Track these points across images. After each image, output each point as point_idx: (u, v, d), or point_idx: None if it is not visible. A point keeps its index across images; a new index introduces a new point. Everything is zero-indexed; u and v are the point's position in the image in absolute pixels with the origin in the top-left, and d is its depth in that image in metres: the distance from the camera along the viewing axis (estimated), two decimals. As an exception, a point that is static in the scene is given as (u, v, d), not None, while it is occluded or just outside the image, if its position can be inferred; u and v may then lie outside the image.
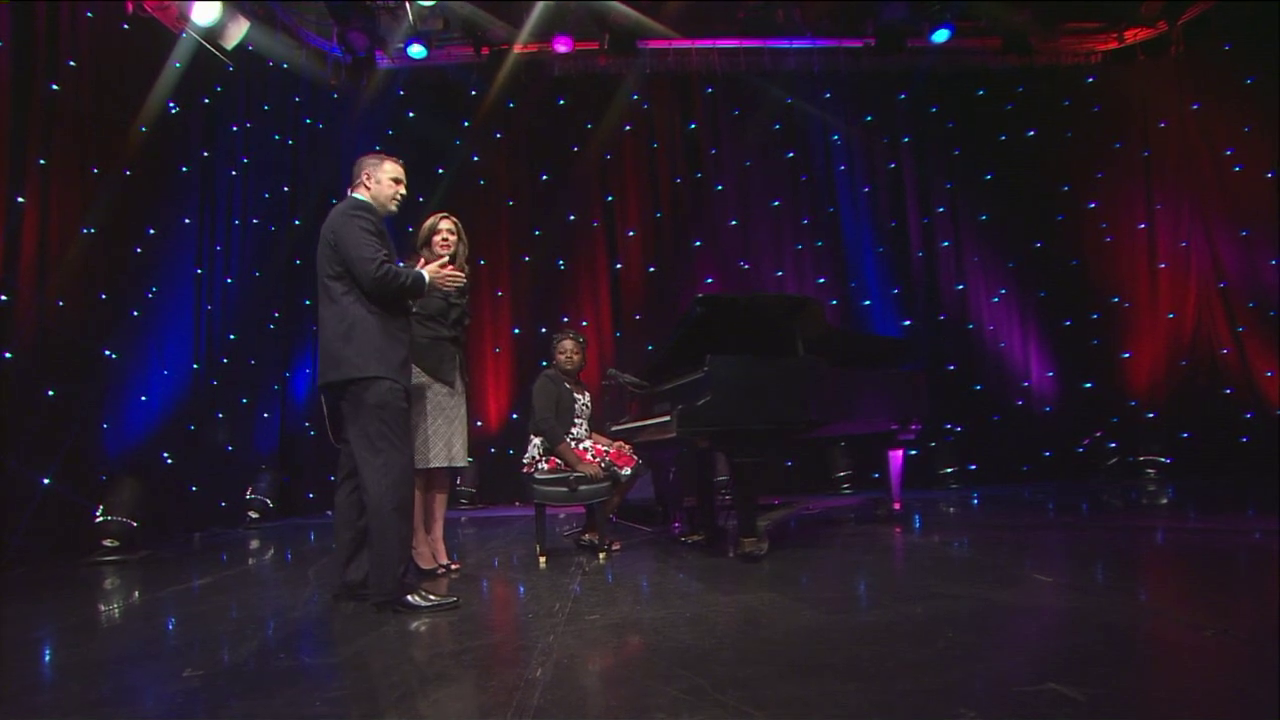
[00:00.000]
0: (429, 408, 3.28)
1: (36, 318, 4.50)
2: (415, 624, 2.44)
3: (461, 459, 3.41)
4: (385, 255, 2.67)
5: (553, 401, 3.78)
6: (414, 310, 3.04)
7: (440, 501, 3.45)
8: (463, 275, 3.01)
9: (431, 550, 3.41)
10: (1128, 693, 1.53)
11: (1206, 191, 7.51)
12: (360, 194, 2.84)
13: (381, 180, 2.86)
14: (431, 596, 2.65)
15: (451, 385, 3.36)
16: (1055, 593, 2.55)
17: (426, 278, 2.76)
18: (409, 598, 2.60)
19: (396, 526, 2.59)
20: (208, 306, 6.15)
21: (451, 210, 3.56)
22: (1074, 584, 2.67)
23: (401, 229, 6.43)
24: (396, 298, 2.72)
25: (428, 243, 3.42)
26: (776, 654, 1.90)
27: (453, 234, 3.41)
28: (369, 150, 3.09)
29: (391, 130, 7.74)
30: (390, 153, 2.95)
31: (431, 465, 3.27)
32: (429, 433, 3.27)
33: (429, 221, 3.45)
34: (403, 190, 2.91)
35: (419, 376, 3.22)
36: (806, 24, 7.63)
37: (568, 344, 3.99)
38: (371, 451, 2.60)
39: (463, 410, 3.44)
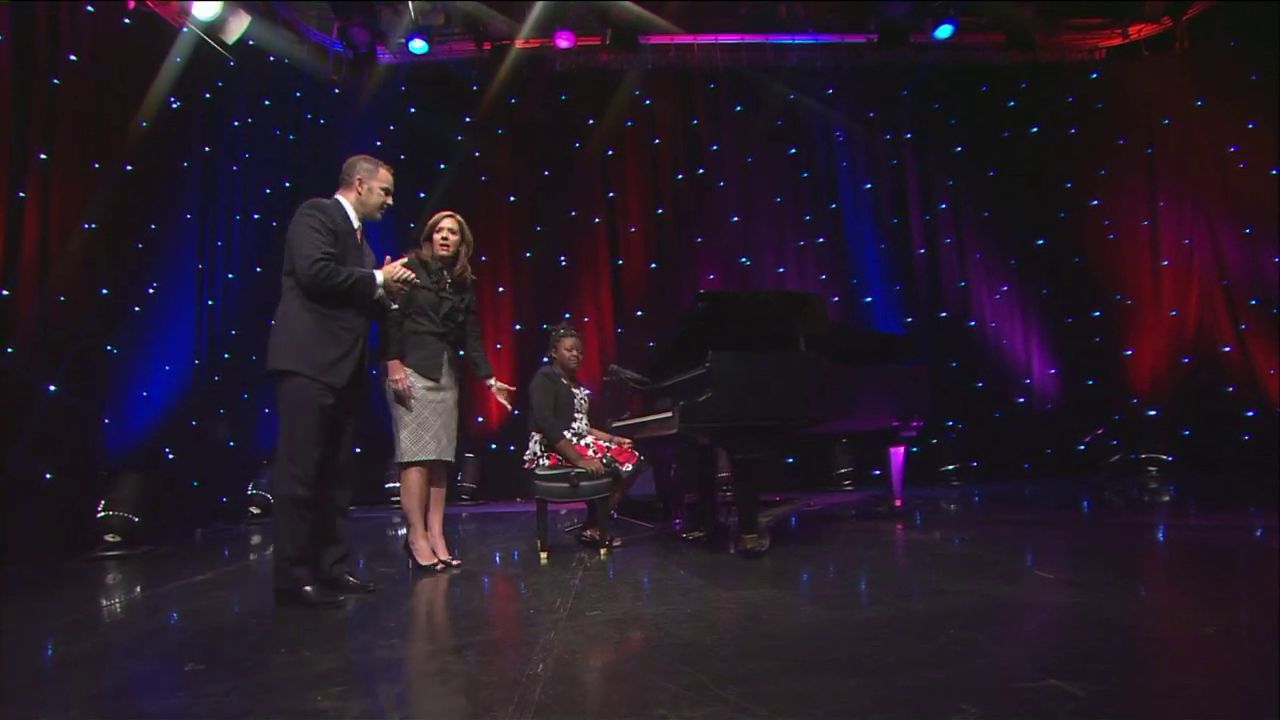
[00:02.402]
0: (414, 402, 3.28)
1: (37, 313, 4.50)
2: (415, 620, 2.44)
3: (449, 453, 3.40)
4: (329, 253, 2.68)
5: (551, 398, 3.78)
6: (393, 307, 3.04)
7: (438, 496, 3.45)
8: (412, 273, 2.93)
9: (431, 545, 3.41)
10: (1128, 689, 1.53)
11: (1210, 188, 7.48)
12: (346, 196, 2.88)
13: (374, 189, 2.90)
14: (317, 596, 2.63)
15: (436, 381, 3.35)
16: (1056, 589, 2.55)
17: (379, 278, 2.77)
18: (304, 589, 2.62)
19: (285, 520, 2.63)
20: (209, 302, 6.16)
21: (453, 206, 3.57)
22: (1075, 580, 2.66)
23: (403, 225, 6.49)
24: (334, 296, 2.71)
25: (429, 238, 3.45)
26: (778, 649, 1.90)
27: (455, 233, 3.43)
28: (364, 149, 3.09)
29: (393, 125, 7.73)
30: (385, 155, 2.98)
31: (418, 459, 3.28)
32: (415, 426, 3.28)
33: (434, 218, 3.48)
34: (390, 201, 2.95)
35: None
36: (809, 19, 7.60)
37: (570, 340, 3.99)
38: (279, 442, 2.67)
39: (451, 405, 3.44)
